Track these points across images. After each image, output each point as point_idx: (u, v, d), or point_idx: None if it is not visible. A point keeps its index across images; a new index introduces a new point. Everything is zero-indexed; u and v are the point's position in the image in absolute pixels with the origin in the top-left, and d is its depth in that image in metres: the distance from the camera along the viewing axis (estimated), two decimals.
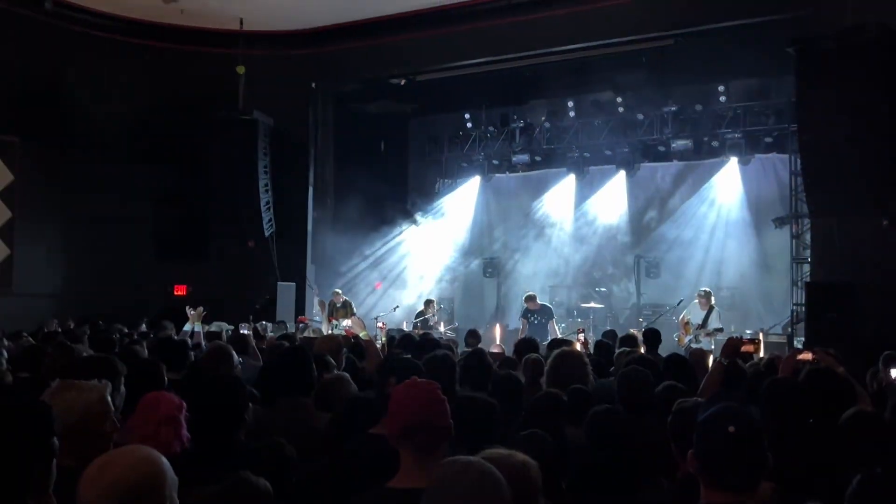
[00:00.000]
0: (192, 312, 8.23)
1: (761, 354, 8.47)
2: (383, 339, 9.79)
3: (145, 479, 1.96)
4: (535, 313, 12.71)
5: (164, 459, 2.03)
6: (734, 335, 6.93)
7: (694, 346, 10.80)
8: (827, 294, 10.22)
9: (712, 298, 11.81)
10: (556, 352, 4.63)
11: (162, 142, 13.78)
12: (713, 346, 10.86)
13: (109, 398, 2.82)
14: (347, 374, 4.51)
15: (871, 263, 9.69)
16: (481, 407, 3.30)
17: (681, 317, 12.07)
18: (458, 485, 1.94)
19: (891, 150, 9.56)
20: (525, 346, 6.86)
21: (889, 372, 5.80)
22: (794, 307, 12.95)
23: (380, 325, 11.79)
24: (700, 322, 11.55)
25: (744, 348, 6.15)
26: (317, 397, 4.17)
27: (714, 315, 11.58)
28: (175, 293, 14.22)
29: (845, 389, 4.02)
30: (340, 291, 13.63)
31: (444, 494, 1.94)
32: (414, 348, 6.22)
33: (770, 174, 14.52)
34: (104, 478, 1.93)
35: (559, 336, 11.54)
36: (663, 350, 8.26)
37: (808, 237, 12.68)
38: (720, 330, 11.37)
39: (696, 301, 11.84)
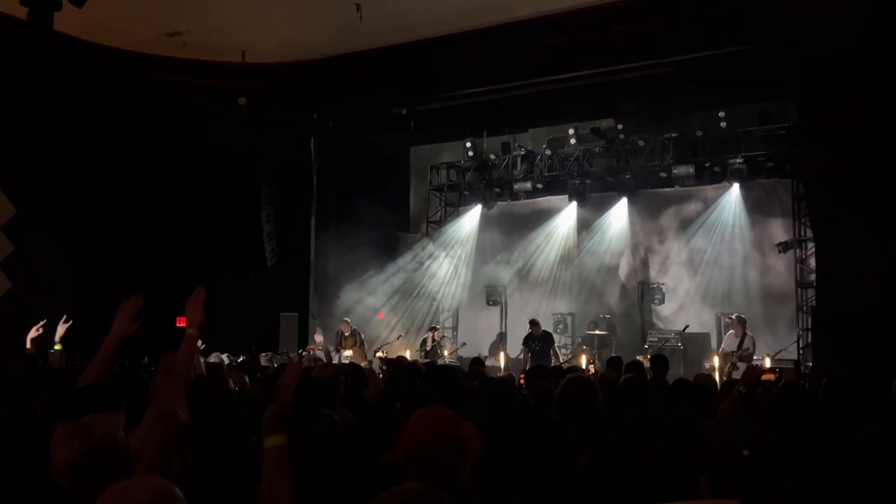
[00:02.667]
0: None
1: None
2: (383, 367, 9.72)
3: None
4: (537, 340, 12.66)
5: (177, 490, 1.98)
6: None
7: (735, 374, 10.64)
8: (834, 319, 10.14)
9: (746, 324, 11.72)
10: (565, 379, 4.56)
11: (164, 173, 13.80)
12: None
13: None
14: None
15: (878, 287, 9.61)
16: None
17: (720, 349, 11.96)
18: None
19: (892, 173, 9.54)
20: (536, 373, 6.77)
21: None
22: (801, 332, 12.87)
23: (380, 353, 11.73)
24: (735, 348, 11.46)
25: (764, 377, 6.08)
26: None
27: (748, 340, 11.48)
28: (178, 325, 14.14)
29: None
30: (350, 321, 13.57)
31: None
32: (422, 376, 6.15)
33: (773, 199, 14.51)
34: None
35: (561, 362, 11.49)
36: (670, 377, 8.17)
37: (812, 261, 12.62)
38: (748, 351, 11.28)
39: (731, 329, 11.81)
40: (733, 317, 12.13)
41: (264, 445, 2.27)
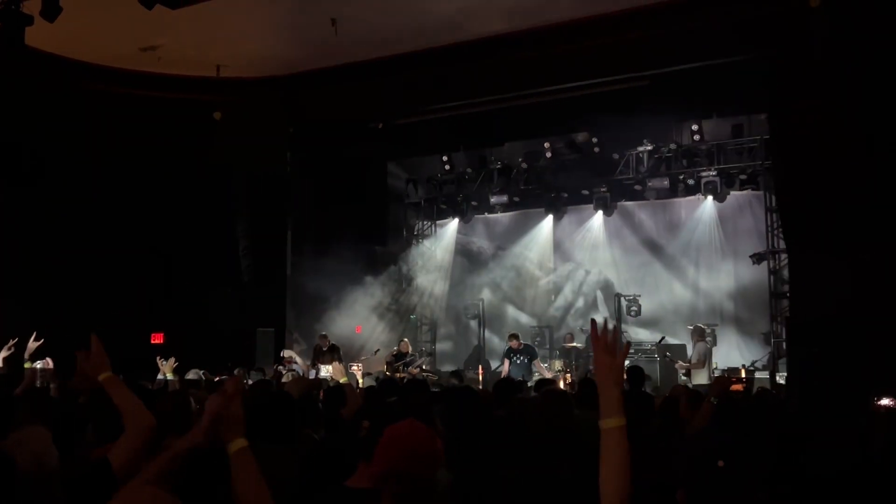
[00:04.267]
0: (165, 363, 8.15)
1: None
2: (360, 381, 9.69)
3: None
4: (518, 353, 12.65)
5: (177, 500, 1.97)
6: (721, 373, 6.92)
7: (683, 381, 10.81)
8: (808, 329, 10.24)
9: (702, 334, 11.89)
10: (539, 392, 4.58)
11: (138, 189, 13.68)
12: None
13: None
14: None
15: (850, 297, 9.72)
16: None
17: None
18: None
19: (865, 184, 9.68)
20: (506, 386, 6.69)
21: (878, 400, 5.81)
22: (775, 341, 12.99)
23: (355, 367, 11.66)
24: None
25: (733, 387, 6.13)
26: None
27: (696, 350, 11.64)
28: (152, 341, 13.99)
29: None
30: (327, 335, 13.49)
31: None
32: (398, 391, 6.11)
33: (746, 211, 14.68)
34: None
35: (547, 375, 11.50)
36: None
37: (786, 272, 12.77)
38: (692, 360, 11.45)
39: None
40: (690, 327, 12.29)
41: (230, 451, 2.23)
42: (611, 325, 2.27)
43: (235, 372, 9.98)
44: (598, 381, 2.20)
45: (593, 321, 2.30)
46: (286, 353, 12.33)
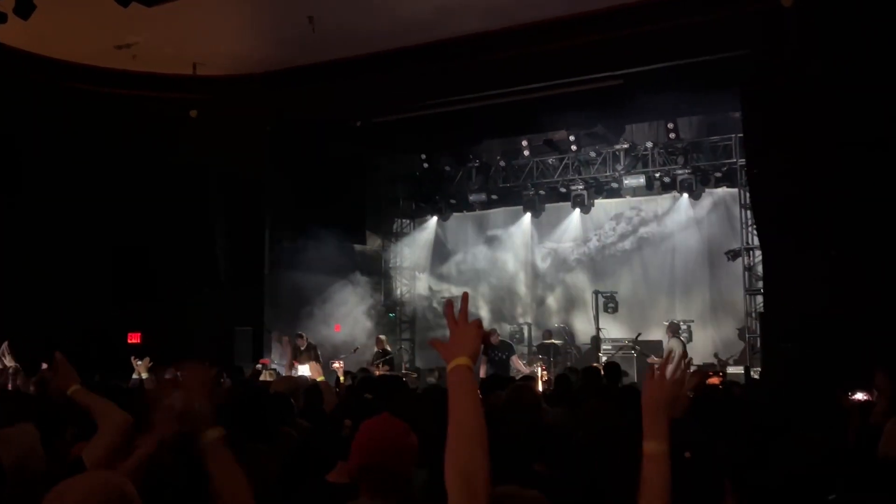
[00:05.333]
0: (139, 363, 8.13)
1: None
2: (341, 378, 9.68)
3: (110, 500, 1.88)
4: (496, 350, 12.70)
5: (129, 485, 1.94)
6: (696, 367, 7.00)
7: None
8: (781, 324, 10.39)
9: (676, 330, 12.06)
10: (509, 388, 4.63)
11: (114, 188, 13.58)
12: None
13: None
14: None
15: (823, 293, 9.88)
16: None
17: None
18: None
19: (836, 182, 9.84)
20: (493, 383, 6.68)
21: (851, 394, 5.93)
22: (749, 337, 13.15)
23: (336, 364, 11.65)
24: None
25: (709, 381, 6.22)
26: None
27: (669, 345, 11.82)
28: (129, 341, 13.90)
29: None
30: (304, 335, 13.46)
31: None
32: (378, 388, 6.13)
33: (721, 208, 14.85)
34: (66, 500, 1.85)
35: (525, 371, 11.58)
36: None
37: (760, 269, 12.94)
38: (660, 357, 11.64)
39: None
40: (665, 323, 12.46)
41: (205, 440, 2.22)
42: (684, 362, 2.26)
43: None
44: (652, 408, 2.14)
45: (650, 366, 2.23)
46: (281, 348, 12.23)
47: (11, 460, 2.38)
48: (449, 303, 2.01)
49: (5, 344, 9.07)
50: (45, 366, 7.93)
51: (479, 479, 1.82)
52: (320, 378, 5.79)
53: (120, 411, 3.01)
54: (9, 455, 2.37)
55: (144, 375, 7.91)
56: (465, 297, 2.07)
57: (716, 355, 13.17)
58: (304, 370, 11.74)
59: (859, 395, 6.05)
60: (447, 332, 1.99)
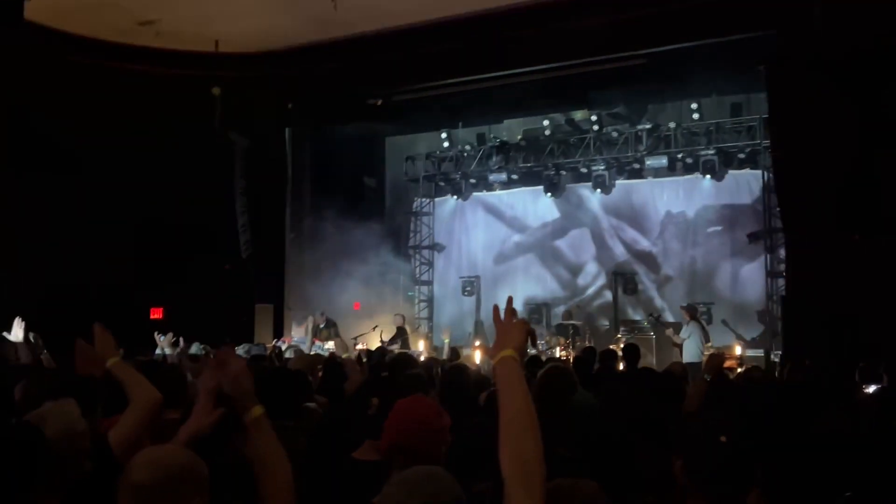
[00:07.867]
0: (163, 339, 8.24)
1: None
2: (363, 358, 9.76)
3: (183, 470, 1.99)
4: None
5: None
6: (716, 351, 6.99)
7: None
8: (803, 308, 10.33)
9: (695, 312, 12.01)
10: (543, 369, 4.64)
11: (136, 165, 13.67)
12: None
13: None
14: None
15: (846, 277, 9.80)
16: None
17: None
18: None
19: (860, 165, 9.73)
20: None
21: (865, 387, 5.88)
22: (770, 320, 13.08)
23: (360, 346, 11.75)
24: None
25: (727, 364, 6.20)
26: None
27: (686, 329, 11.77)
28: (151, 317, 14.05)
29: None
30: (324, 313, 13.54)
31: None
32: (392, 367, 6.17)
33: (744, 190, 14.70)
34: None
35: (540, 351, 11.60)
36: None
37: (782, 251, 12.83)
38: (683, 339, 11.58)
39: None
40: (684, 305, 12.41)
41: (251, 416, 2.27)
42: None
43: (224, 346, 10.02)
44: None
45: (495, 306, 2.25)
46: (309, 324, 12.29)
47: (58, 435, 2.43)
48: (495, 306, 2.07)
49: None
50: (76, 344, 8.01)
51: (534, 466, 1.86)
52: (345, 354, 5.83)
53: (152, 388, 3.05)
54: (55, 430, 2.42)
55: (168, 351, 8.02)
56: (509, 299, 2.18)
57: (736, 338, 13.12)
58: (326, 347, 11.85)
59: (872, 388, 5.97)
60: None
